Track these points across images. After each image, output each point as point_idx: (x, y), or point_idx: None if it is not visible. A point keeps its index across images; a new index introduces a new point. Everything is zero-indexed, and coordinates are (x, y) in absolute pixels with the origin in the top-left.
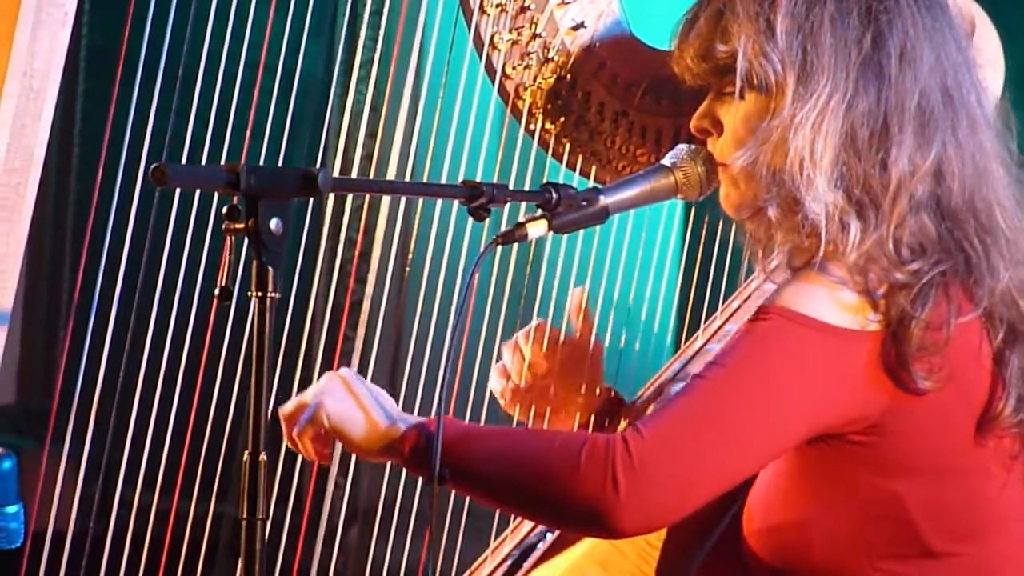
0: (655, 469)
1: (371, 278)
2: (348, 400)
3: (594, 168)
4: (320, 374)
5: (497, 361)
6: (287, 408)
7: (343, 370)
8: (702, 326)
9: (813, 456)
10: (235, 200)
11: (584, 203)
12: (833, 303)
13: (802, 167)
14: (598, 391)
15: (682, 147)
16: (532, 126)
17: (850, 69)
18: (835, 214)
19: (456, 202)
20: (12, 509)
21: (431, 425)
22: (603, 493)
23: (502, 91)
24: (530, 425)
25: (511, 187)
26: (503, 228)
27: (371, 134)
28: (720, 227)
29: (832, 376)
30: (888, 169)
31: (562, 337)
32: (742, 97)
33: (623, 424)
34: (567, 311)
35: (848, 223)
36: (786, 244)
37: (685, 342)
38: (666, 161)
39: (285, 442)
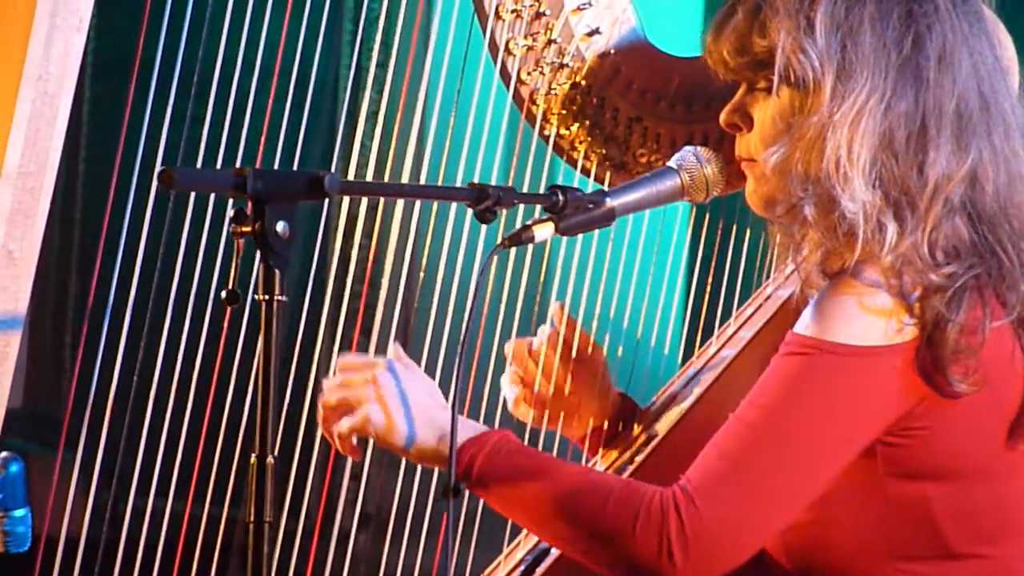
0: (709, 540)
1: (384, 282)
2: (397, 412)
3: (608, 174)
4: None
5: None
6: (331, 400)
7: (393, 364)
8: (716, 332)
9: None
10: (249, 205)
11: (590, 205)
12: (865, 317)
13: (839, 166)
14: (609, 397)
15: (688, 149)
16: (547, 131)
17: (889, 70)
18: (872, 214)
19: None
20: (19, 513)
21: (482, 442)
22: (659, 565)
23: (517, 97)
24: (542, 429)
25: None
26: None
27: (384, 138)
28: (731, 230)
29: (872, 397)
30: (925, 172)
31: (574, 342)
32: (777, 93)
33: (636, 430)
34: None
35: (885, 224)
36: (821, 245)
37: (694, 346)
38: (672, 163)
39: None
